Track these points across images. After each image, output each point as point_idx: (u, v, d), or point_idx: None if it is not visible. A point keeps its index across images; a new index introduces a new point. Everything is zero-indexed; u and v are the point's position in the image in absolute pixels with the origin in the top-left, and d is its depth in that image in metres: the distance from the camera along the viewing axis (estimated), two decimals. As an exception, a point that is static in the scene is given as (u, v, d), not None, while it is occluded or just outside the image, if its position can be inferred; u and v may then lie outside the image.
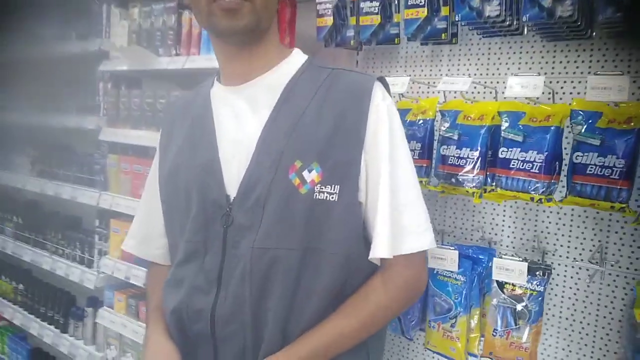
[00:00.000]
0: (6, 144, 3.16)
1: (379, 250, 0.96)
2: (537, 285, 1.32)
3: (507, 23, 1.40)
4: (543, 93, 1.32)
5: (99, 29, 2.37)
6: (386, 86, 1.03)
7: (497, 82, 1.61)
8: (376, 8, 1.59)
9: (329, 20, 1.69)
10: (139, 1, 2.14)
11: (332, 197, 0.95)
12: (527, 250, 1.56)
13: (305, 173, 0.95)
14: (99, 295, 2.47)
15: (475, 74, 1.66)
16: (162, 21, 2.00)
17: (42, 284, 2.92)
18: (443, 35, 1.52)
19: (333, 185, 0.95)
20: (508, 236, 1.62)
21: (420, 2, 1.48)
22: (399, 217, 0.97)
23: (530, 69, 1.56)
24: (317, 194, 0.95)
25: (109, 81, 2.32)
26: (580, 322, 1.48)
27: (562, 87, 1.49)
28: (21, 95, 2.95)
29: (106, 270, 2.27)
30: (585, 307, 1.48)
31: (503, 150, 1.31)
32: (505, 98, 1.57)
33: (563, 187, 1.33)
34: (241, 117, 1.02)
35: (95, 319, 2.41)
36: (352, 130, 0.97)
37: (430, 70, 1.77)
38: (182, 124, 1.11)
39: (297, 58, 1.07)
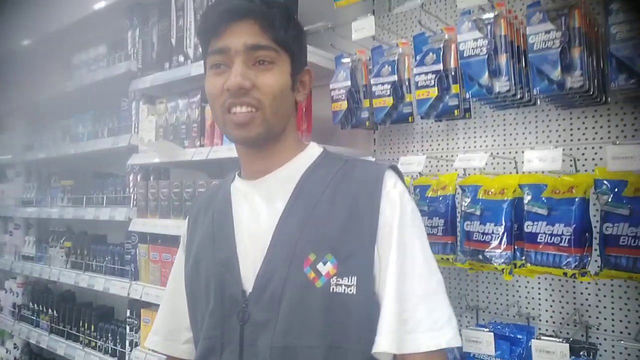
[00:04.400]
0: (42, 236, 3.28)
1: (383, 343, 0.89)
2: (583, 367, 1.23)
3: (519, 96, 1.41)
4: (564, 161, 1.29)
5: (129, 125, 2.50)
6: (398, 173, 1.03)
7: (516, 152, 1.60)
8: (388, 90, 1.63)
9: (343, 105, 1.74)
10: (165, 97, 2.26)
11: (350, 290, 0.92)
12: (568, 325, 1.47)
13: (319, 266, 0.93)
14: (130, 389, 2.42)
15: (492, 146, 1.65)
16: (187, 115, 2.09)
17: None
18: (456, 111, 1.53)
19: (350, 277, 0.92)
20: (546, 310, 1.54)
21: (430, 82, 1.51)
22: (412, 311, 0.91)
23: (548, 137, 1.54)
24: (334, 287, 0.92)
25: (139, 173, 2.41)
26: (636, 406, 1.36)
27: (583, 154, 1.47)
28: (56, 189, 3.09)
29: (137, 363, 2.25)
30: (639, 388, 1.37)
31: (528, 224, 1.28)
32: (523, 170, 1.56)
33: (597, 258, 1.27)
34: (257, 211, 1.03)
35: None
36: (365, 219, 0.95)
37: (447, 144, 1.77)
38: (204, 219, 1.13)
39: (312, 151, 1.08)
